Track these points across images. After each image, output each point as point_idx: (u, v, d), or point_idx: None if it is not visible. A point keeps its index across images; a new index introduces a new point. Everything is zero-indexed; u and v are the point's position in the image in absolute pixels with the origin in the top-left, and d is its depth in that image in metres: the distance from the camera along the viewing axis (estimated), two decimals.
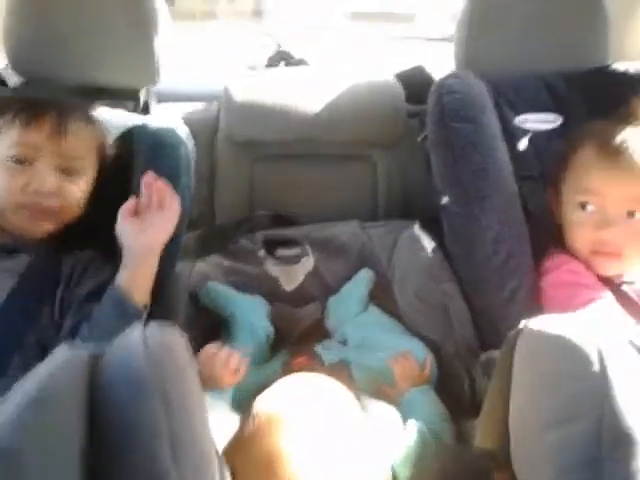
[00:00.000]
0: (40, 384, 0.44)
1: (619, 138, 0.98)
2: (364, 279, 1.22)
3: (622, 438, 0.47)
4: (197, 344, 1.09)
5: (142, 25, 1.17)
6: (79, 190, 0.97)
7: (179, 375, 0.50)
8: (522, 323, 0.64)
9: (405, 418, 0.89)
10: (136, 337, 0.52)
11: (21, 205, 0.92)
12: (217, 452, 0.58)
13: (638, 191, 0.96)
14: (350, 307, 1.18)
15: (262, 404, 0.75)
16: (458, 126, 1.07)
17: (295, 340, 1.14)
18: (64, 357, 0.48)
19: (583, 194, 1.00)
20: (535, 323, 0.62)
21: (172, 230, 0.94)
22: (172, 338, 0.55)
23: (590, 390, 0.50)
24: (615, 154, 0.97)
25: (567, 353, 0.54)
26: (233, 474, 0.67)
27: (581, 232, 1.01)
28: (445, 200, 1.07)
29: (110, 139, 1.08)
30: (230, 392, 0.90)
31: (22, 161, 0.92)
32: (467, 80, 1.15)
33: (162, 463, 0.43)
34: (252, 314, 1.13)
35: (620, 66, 1.29)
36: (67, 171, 0.95)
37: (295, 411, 0.72)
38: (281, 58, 1.57)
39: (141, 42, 1.18)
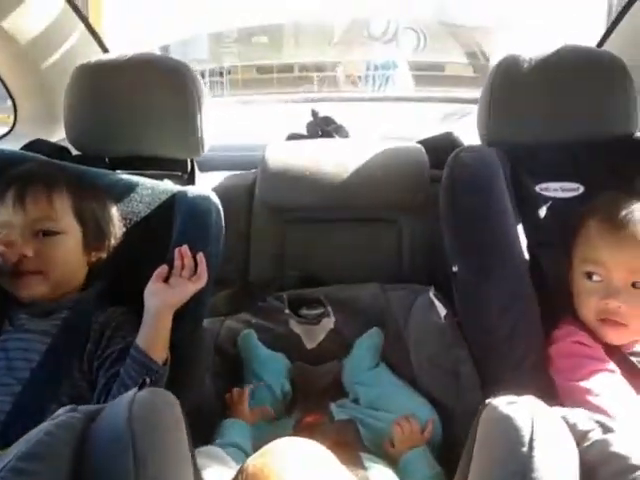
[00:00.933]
0: (35, 439, 0.53)
1: (624, 211, 1.01)
2: (370, 336, 1.28)
3: None
4: (221, 394, 1.20)
5: (186, 101, 1.30)
6: (63, 249, 1.05)
7: (157, 434, 0.58)
8: (487, 400, 0.68)
9: (401, 477, 0.94)
10: (125, 399, 0.61)
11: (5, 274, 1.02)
12: None
13: None
14: (360, 363, 1.25)
15: (250, 462, 0.80)
16: (467, 199, 1.13)
17: (313, 398, 1.20)
18: (61, 417, 0.58)
19: (589, 264, 1.03)
20: (496, 402, 0.65)
21: (190, 295, 1.04)
22: (159, 402, 0.63)
23: (516, 470, 0.54)
24: (618, 227, 1.00)
25: (504, 434, 0.58)
26: None
27: (588, 301, 1.03)
28: (455, 268, 1.12)
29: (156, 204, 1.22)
30: (249, 438, 0.99)
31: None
32: (480, 153, 1.20)
33: None
34: (273, 370, 1.22)
35: None
36: (44, 235, 1.04)
37: (277, 471, 0.77)
38: (320, 124, 1.66)
39: (185, 117, 1.31)
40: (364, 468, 0.94)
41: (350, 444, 1.02)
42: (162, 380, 0.98)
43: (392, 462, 1.02)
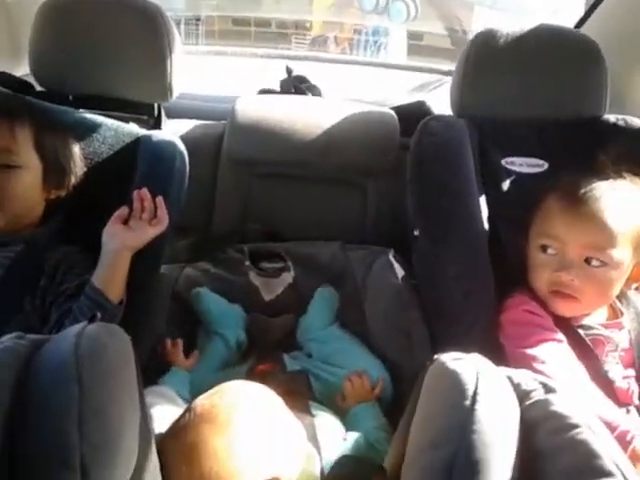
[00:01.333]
0: None
1: (583, 189, 1.03)
2: (323, 295, 1.31)
3: (471, 467, 0.52)
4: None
5: (156, 45, 1.26)
6: (21, 183, 1.03)
7: (103, 366, 0.58)
8: (435, 356, 0.69)
9: (348, 429, 0.98)
10: (73, 330, 0.60)
11: None
12: (146, 437, 0.66)
13: (596, 240, 1.01)
14: (314, 322, 1.27)
15: (199, 400, 0.81)
16: (431, 167, 1.14)
17: (266, 348, 1.21)
18: (7, 343, 0.57)
19: (545, 238, 1.06)
20: (444, 357, 0.67)
21: (149, 239, 1.03)
22: (108, 335, 0.62)
23: (456, 423, 0.56)
24: (576, 204, 1.02)
25: (449, 388, 0.60)
26: (162, 460, 0.73)
27: (541, 273, 1.06)
28: (415, 233, 1.14)
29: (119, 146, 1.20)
30: (187, 385, 1.00)
31: None
32: (449, 123, 1.21)
33: (69, 436, 0.51)
34: (228, 322, 1.23)
35: (611, 117, 1.33)
36: (3, 167, 1.01)
37: (225, 412, 0.78)
38: (293, 82, 1.64)
39: (155, 61, 1.27)
40: (312, 415, 0.97)
41: (301, 393, 1.05)
42: (116, 320, 0.98)
43: (342, 415, 1.04)
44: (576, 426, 0.54)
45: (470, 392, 0.57)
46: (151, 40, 1.26)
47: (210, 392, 0.83)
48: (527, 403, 0.60)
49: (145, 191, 1.06)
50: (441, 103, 1.55)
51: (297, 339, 1.28)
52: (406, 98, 1.69)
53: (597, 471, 0.50)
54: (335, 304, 1.31)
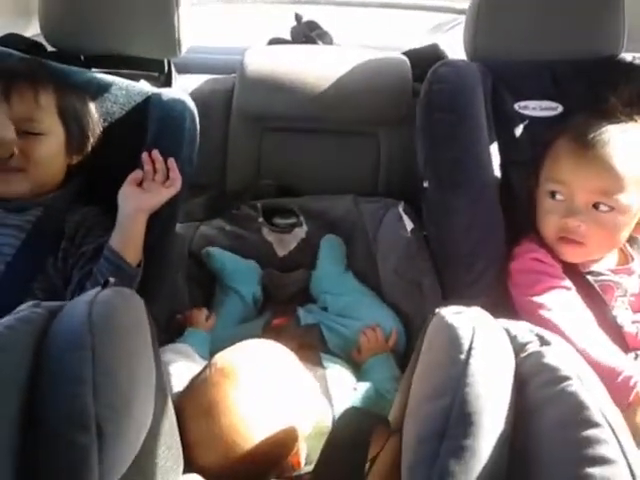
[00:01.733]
0: None
1: (592, 133, 1.02)
2: (328, 244, 1.33)
3: (464, 419, 0.54)
4: (195, 298, 1.24)
5: (163, 1, 1.26)
6: (46, 150, 1.05)
7: (115, 330, 0.61)
8: (437, 310, 0.71)
9: (362, 380, 1.02)
10: (87, 297, 0.63)
11: None
12: (162, 396, 0.70)
13: (604, 184, 1.00)
14: (325, 271, 1.30)
15: (219, 357, 0.85)
16: (441, 116, 1.12)
17: (282, 302, 1.24)
18: (23, 312, 0.60)
19: (554, 183, 1.05)
20: (443, 311, 0.69)
21: (164, 200, 1.04)
22: (120, 299, 0.65)
23: (452, 376, 0.58)
24: (585, 148, 1.01)
25: (447, 341, 0.62)
26: (181, 416, 0.78)
27: (549, 219, 1.06)
28: (425, 184, 1.14)
29: (130, 106, 1.21)
30: (205, 344, 1.04)
31: None
32: (460, 69, 1.18)
33: (83, 399, 0.54)
34: (243, 278, 1.26)
35: (628, 56, 1.29)
36: (29, 133, 1.03)
37: (244, 368, 0.82)
38: (304, 30, 1.61)
39: (162, 16, 1.27)
40: (323, 367, 1.01)
41: (313, 346, 1.08)
42: (135, 281, 1.01)
43: (357, 368, 1.08)
44: (566, 378, 0.55)
45: (465, 346, 0.59)
46: None
47: (229, 349, 0.87)
48: (522, 356, 0.61)
49: (155, 152, 1.06)
50: (457, 44, 1.51)
51: (311, 292, 1.30)
52: (422, 40, 1.65)
53: (585, 422, 0.52)
54: (342, 250, 1.33)
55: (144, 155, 1.06)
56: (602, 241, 1.03)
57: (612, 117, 1.05)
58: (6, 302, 0.91)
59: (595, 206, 1.01)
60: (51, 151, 1.06)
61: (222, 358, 0.84)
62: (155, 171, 1.07)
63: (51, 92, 1.07)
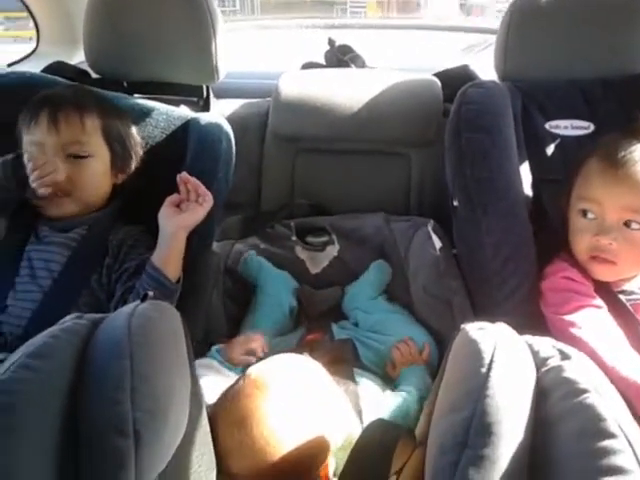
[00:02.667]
0: (42, 340, 0.60)
1: (622, 151, 1.02)
2: (377, 268, 1.34)
3: (484, 429, 0.56)
4: (230, 312, 1.27)
5: (201, 28, 1.32)
6: (92, 171, 1.11)
7: (152, 342, 0.65)
8: (461, 326, 0.73)
9: (395, 388, 1.05)
10: (127, 310, 0.67)
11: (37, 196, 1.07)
12: (196, 404, 0.73)
13: (634, 202, 1.00)
14: (363, 292, 1.31)
15: (253, 369, 0.88)
16: (470, 136, 1.13)
17: (315, 318, 1.27)
18: (67, 323, 0.65)
19: (585, 202, 1.05)
20: (468, 327, 0.70)
21: (201, 218, 1.08)
22: (158, 312, 0.69)
23: (473, 388, 0.60)
24: (615, 166, 1.01)
25: (469, 356, 0.63)
26: (214, 425, 0.80)
27: (580, 237, 1.06)
28: (455, 203, 1.15)
29: (171, 130, 1.26)
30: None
31: (35, 158, 1.06)
32: (489, 90, 1.19)
33: (122, 406, 0.58)
34: (280, 287, 1.30)
35: None
36: (76, 157, 1.09)
37: (277, 381, 0.84)
38: (336, 53, 1.65)
39: (200, 45, 1.34)
40: (355, 382, 1.03)
41: (346, 360, 1.10)
42: (174, 296, 1.05)
43: (391, 384, 1.09)
44: (585, 391, 0.56)
45: (487, 360, 0.61)
46: (196, 24, 1.33)
47: (262, 362, 0.90)
48: (543, 370, 0.63)
49: (185, 174, 1.09)
50: (489, 65, 1.53)
51: (343, 307, 1.33)
52: (454, 62, 1.68)
53: (602, 433, 0.53)
54: (387, 278, 1.35)
55: (178, 177, 1.09)
56: (634, 259, 1.03)
57: None
58: (53, 315, 0.97)
59: (627, 224, 1.01)
60: (98, 172, 1.12)
61: (256, 370, 0.87)
62: (188, 191, 1.10)
63: (95, 116, 1.13)
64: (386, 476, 0.67)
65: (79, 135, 1.10)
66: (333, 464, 0.83)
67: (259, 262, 1.35)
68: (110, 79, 1.40)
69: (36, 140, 1.09)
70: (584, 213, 1.06)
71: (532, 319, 1.07)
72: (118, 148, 1.15)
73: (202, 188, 1.09)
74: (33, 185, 1.04)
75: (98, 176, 1.13)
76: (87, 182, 1.11)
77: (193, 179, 1.08)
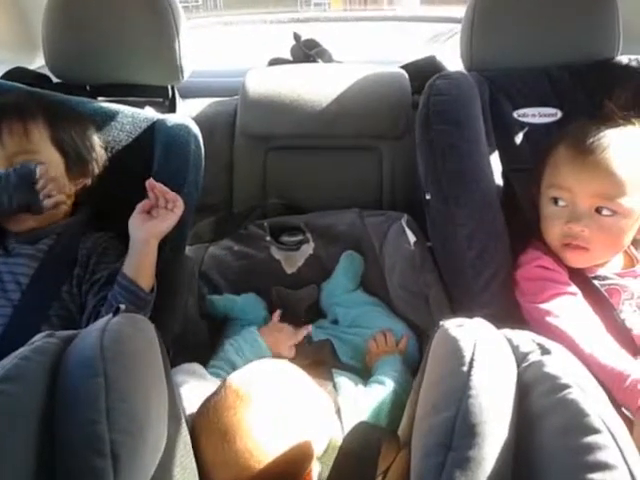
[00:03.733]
0: (12, 363, 0.58)
1: (590, 138, 1.03)
2: (347, 258, 1.34)
3: (468, 430, 0.56)
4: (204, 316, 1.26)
5: (163, 28, 1.30)
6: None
7: (126, 357, 0.63)
8: (440, 323, 0.72)
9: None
10: (99, 325, 0.65)
11: None
12: (175, 418, 0.71)
13: (605, 189, 1.01)
14: (339, 284, 1.31)
15: (233, 378, 0.86)
16: (440, 128, 1.13)
17: (293, 321, 1.25)
18: (37, 342, 0.63)
19: (555, 190, 1.06)
20: (447, 324, 0.70)
21: (173, 224, 1.06)
22: (130, 326, 0.67)
23: (454, 389, 0.59)
24: (584, 153, 1.02)
25: (449, 354, 0.63)
26: (196, 437, 0.79)
27: (552, 225, 1.07)
28: (427, 196, 1.15)
29: (137, 133, 1.24)
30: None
31: None
32: (456, 81, 1.19)
33: (98, 426, 0.56)
34: (249, 309, 1.29)
35: (624, 59, 1.30)
36: None
37: (258, 389, 0.83)
38: (303, 48, 1.64)
39: (163, 44, 1.31)
40: (334, 383, 1.02)
41: (325, 362, 1.09)
42: (149, 306, 1.03)
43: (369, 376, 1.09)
44: (567, 386, 0.56)
45: (467, 358, 0.61)
46: (157, 22, 1.30)
47: (242, 370, 0.88)
48: (524, 365, 0.63)
49: (151, 181, 1.06)
50: (455, 54, 1.53)
51: (321, 304, 1.32)
52: (421, 52, 1.67)
53: (585, 429, 0.53)
54: (360, 268, 1.35)
55: (147, 183, 1.06)
56: (606, 245, 1.04)
57: (610, 121, 1.06)
58: (23, 329, 0.94)
59: (598, 210, 1.02)
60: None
61: (235, 380, 0.85)
62: (157, 197, 1.07)
63: (41, 122, 1.09)
64: (372, 478, 0.67)
65: (24, 145, 1.06)
66: (317, 469, 0.83)
67: (220, 301, 1.31)
68: (72, 83, 1.37)
69: None
70: (555, 201, 1.06)
71: (509, 309, 1.08)
72: (72, 153, 1.12)
73: (171, 194, 1.06)
74: None
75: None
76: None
77: (159, 185, 1.05)
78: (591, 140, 1.02)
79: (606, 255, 1.06)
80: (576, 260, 1.05)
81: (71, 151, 1.12)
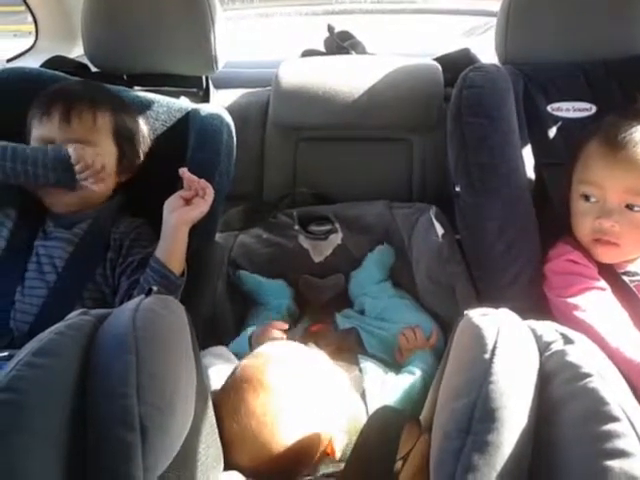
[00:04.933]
0: (47, 337, 0.61)
1: (622, 133, 1.01)
2: (380, 250, 1.34)
3: (488, 415, 0.56)
4: (235, 303, 1.27)
5: (199, 19, 1.33)
6: None
7: (157, 336, 0.65)
8: (465, 312, 0.73)
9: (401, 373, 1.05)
10: (131, 305, 0.68)
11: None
12: (202, 397, 0.74)
13: (636, 185, 1.00)
14: (369, 275, 1.32)
15: (242, 361, 0.89)
16: (472, 121, 1.13)
17: (319, 308, 1.27)
18: (72, 319, 0.65)
19: (586, 185, 1.05)
20: (471, 313, 0.71)
21: (204, 212, 1.08)
22: (162, 306, 0.70)
23: (476, 375, 0.60)
24: (616, 149, 1.01)
25: (473, 342, 0.64)
26: (218, 415, 0.80)
27: (583, 220, 1.06)
28: (457, 189, 1.15)
29: (172, 122, 1.26)
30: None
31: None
32: (490, 73, 1.18)
33: (128, 400, 0.58)
34: (274, 294, 1.30)
35: None
36: None
37: (261, 371, 0.84)
38: (336, 40, 1.64)
39: (199, 35, 1.34)
40: (359, 368, 1.03)
41: (350, 349, 1.10)
42: (179, 290, 1.05)
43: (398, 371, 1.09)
44: (588, 375, 0.57)
45: (490, 347, 0.61)
46: (194, 13, 1.33)
47: (253, 353, 0.90)
48: (546, 354, 0.63)
49: (183, 169, 1.08)
50: (490, 47, 1.52)
51: (350, 293, 1.33)
52: (455, 45, 1.67)
53: (605, 416, 0.53)
54: (391, 259, 1.35)
55: (180, 171, 1.08)
56: (637, 241, 1.03)
57: None
58: (58, 310, 0.98)
59: (628, 206, 1.01)
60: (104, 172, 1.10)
61: (244, 363, 0.88)
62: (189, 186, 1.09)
63: (108, 113, 1.13)
64: (392, 462, 0.68)
65: (89, 133, 1.10)
66: (345, 441, 0.84)
67: (250, 278, 1.33)
68: (110, 72, 1.40)
69: (46, 135, 1.09)
70: (586, 197, 1.05)
71: (536, 303, 1.08)
72: (127, 147, 1.15)
73: (202, 182, 1.08)
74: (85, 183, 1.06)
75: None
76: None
77: (188, 174, 1.07)
78: (623, 135, 1.01)
79: (636, 251, 1.05)
80: (606, 255, 1.05)
81: (127, 145, 1.16)
